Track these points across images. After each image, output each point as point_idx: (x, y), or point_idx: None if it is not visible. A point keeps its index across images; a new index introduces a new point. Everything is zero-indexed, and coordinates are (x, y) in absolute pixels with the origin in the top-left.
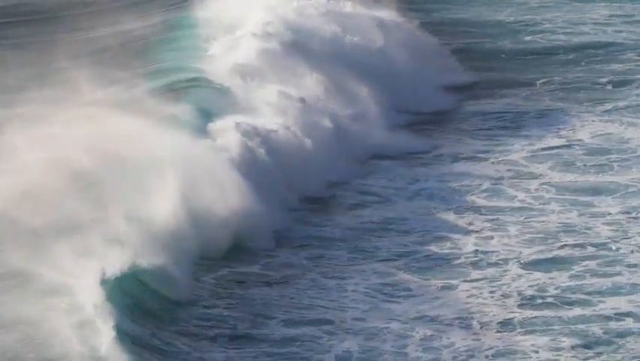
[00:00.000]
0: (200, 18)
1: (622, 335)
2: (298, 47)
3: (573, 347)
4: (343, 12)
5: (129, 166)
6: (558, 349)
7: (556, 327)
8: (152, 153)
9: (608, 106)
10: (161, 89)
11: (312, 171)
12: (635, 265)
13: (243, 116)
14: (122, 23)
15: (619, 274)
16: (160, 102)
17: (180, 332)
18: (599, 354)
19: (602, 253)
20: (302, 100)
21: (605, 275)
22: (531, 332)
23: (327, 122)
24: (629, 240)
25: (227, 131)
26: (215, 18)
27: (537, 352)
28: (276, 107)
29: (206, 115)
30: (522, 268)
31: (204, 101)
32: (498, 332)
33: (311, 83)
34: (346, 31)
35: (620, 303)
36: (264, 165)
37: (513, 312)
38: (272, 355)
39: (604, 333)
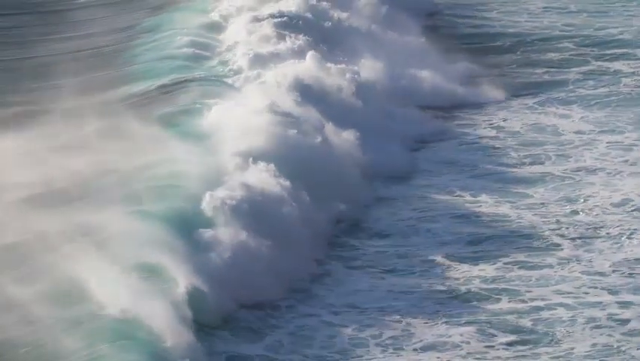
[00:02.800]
0: None
1: (551, 325)
2: None
3: (502, 338)
4: None
5: None
6: (488, 340)
7: (484, 318)
8: None
9: (543, 97)
10: None
11: None
12: (566, 259)
13: None
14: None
15: (548, 266)
16: None
17: None
18: (527, 344)
19: (532, 244)
20: None
21: (535, 267)
22: (460, 324)
23: None
24: (560, 230)
25: None
26: None
27: (468, 343)
28: None
29: None
30: (448, 260)
31: None
32: (426, 323)
33: None
34: None
35: (549, 294)
36: None
37: (442, 303)
38: None
39: (532, 324)
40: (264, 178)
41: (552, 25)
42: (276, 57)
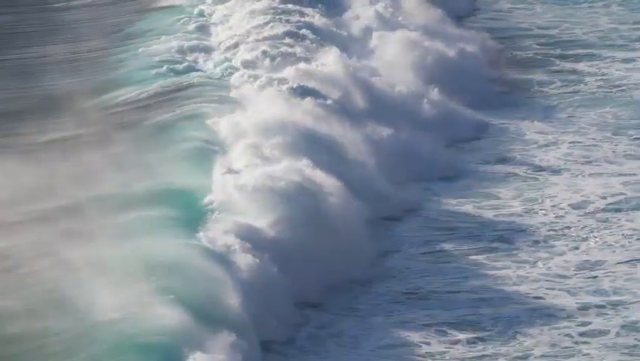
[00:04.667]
0: None
1: (510, 325)
2: None
3: (462, 338)
4: None
5: None
6: (447, 340)
7: (443, 318)
8: None
9: (507, 97)
10: None
11: None
12: (526, 261)
13: None
14: None
15: (507, 267)
16: None
17: None
18: (487, 345)
19: (493, 244)
20: None
21: (493, 268)
22: (420, 324)
23: None
24: (521, 231)
25: None
26: None
27: (428, 343)
28: None
29: None
30: (409, 260)
31: None
32: (385, 323)
33: None
34: None
35: (509, 294)
36: None
37: (401, 303)
38: None
39: (492, 324)
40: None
41: (517, 26)
42: (284, 57)
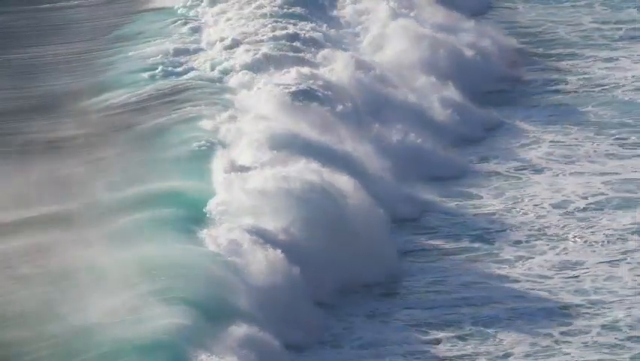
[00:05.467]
0: None
1: (491, 325)
2: None
3: (442, 337)
4: None
5: None
6: (428, 339)
7: (423, 317)
8: None
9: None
10: None
11: None
12: (506, 260)
13: None
14: None
15: (487, 267)
16: None
17: None
18: (467, 344)
19: (474, 244)
20: None
21: (474, 268)
22: (400, 322)
23: None
24: (503, 230)
25: None
26: None
27: (408, 342)
28: None
29: None
30: None
31: None
32: (365, 322)
33: None
34: None
35: (489, 294)
36: None
37: (380, 301)
38: None
39: (472, 323)
40: None
41: (500, 24)
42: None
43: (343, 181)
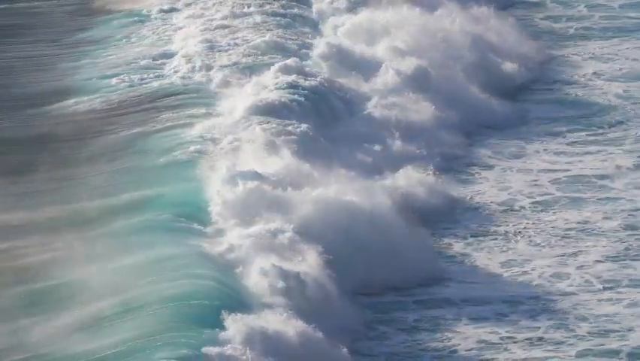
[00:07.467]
0: None
1: (437, 322)
2: None
3: (390, 333)
4: None
5: None
6: (375, 335)
7: (370, 313)
8: None
9: None
10: None
11: None
12: (452, 257)
13: None
14: None
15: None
16: None
17: None
18: (414, 340)
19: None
20: None
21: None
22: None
23: None
24: (451, 228)
25: None
26: None
27: (358, 340)
28: None
29: None
30: None
31: None
32: None
33: None
34: None
35: (436, 291)
36: None
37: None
38: None
39: (416, 320)
40: None
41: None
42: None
43: None
